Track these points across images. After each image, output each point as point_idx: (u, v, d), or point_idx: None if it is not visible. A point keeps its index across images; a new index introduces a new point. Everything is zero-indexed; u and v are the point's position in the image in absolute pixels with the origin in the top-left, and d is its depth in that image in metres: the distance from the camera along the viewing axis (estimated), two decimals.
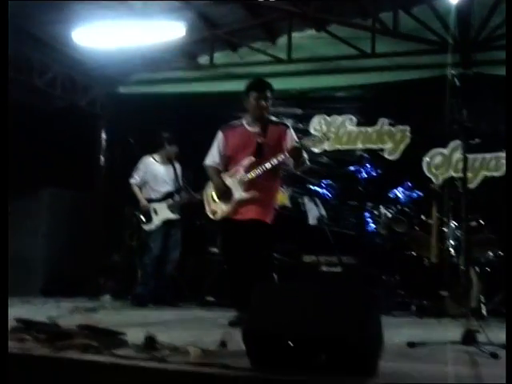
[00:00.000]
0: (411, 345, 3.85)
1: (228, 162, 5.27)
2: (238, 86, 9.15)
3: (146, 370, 2.89)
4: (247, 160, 5.10)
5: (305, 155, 5.09)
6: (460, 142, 7.91)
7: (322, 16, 8.29)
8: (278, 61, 8.90)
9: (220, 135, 5.31)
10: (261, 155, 5.09)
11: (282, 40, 8.98)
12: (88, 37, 7.81)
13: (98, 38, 7.83)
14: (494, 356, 3.44)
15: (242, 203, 5.08)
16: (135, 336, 3.56)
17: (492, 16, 7.61)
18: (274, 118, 5.47)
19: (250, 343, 2.84)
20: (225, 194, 5.12)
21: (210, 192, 5.30)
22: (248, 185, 5.08)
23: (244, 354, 2.91)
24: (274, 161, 5.02)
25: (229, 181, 5.18)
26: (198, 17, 8.54)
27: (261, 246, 4.99)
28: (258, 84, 5.28)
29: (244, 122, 5.27)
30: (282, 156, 5.01)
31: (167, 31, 7.84)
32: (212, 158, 5.31)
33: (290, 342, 2.75)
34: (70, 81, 9.10)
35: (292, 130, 5.31)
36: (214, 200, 5.25)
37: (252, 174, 5.06)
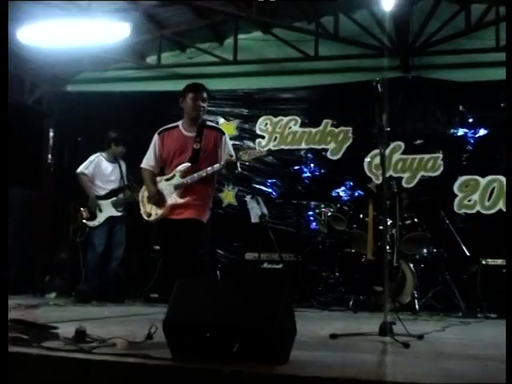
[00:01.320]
0: (333, 336, 4.07)
1: (164, 165, 5.34)
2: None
3: (71, 361, 3.01)
4: (183, 166, 5.18)
5: (238, 164, 5.32)
6: (401, 143, 8.37)
7: (267, 19, 8.47)
8: (225, 62, 9.07)
9: (156, 138, 5.34)
10: (196, 161, 5.20)
11: (229, 41, 9.16)
12: (35, 35, 7.84)
13: (44, 36, 7.87)
14: (406, 346, 3.67)
15: (176, 206, 5.19)
16: (68, 330, 3.67)
17: (429, 21, 7.90)
18: (209, 122, 5.58)
19: (170, 334, 3.00)
20: (157, 200, 5.21)
21: (146, 194, 5.35)
22: (183, 190, 5.18)
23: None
24: (209, 170, 5.15)
25: (164, 184, 5.24)
26: (145, 17, 8.66)
27: (196, 243, 5.12)
28: (195, 85, 5.41)
29: (180, 126, 5.32)
30: (218, 166, 5.15)
31: (114, 31, 7.93)
32: (147, 161, 5.36)
33: (207, 334, 2.91)
34: (17, 79, 9.09)
35: (227, 137, 5.43)
36: (148, 201, 5.31)
37: (188, 180, 5.15)
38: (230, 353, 2.86)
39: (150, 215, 5.30)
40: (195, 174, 5.16)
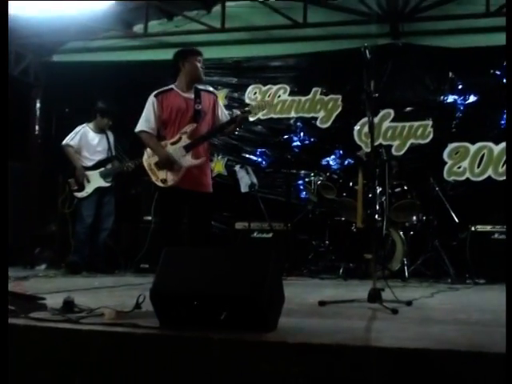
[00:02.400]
0: (322, 303, 4.08)
1: (164, 127, 5.20)
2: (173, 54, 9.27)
3: (57, 331, 3.01)
4: (189, 127, 5.11)
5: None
6: (391, 110, 8.33)
7: None
8: (213, 30, 8.96)
9: (154, 100, 5.20)
10: (198, 121, 5.15)
11: (217, 9, 9.02)
12: (20, 5, 7.69)
13: (30, 6, 7.73)
14: (395, 312, 3.68)
15: (189, 173, 5.10)
16: (56, 301, 3.66)
17: None
18: (200, 86, 5.53)
19: (157, 303, 2.99)
20: (171, 163, 5.05)
21: (153, 160, 5.17)
22: (193, 152, 5.11)
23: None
24: (223, 124, 5.22)
25: (171, 148, 5.11)
26: None
27: (208, 216, 5.18)
28: (198, 49, 5.41)
29: (176, 88, 5.25)
30: (227, 121, 5.23)
31: None
32: (147, 124, 5.16)
33: (194, 302, 2.91)
34: None
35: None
36: (157, 168, 5.14)
37: (190, 140, 5.10)
38: (218, 321, 2.86)
39: (165, 181, 5.09)
40: (203, 135, 5.13)
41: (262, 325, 2.84)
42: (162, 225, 5.67)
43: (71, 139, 7.57)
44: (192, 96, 5.21)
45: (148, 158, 5.24)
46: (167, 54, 9.13)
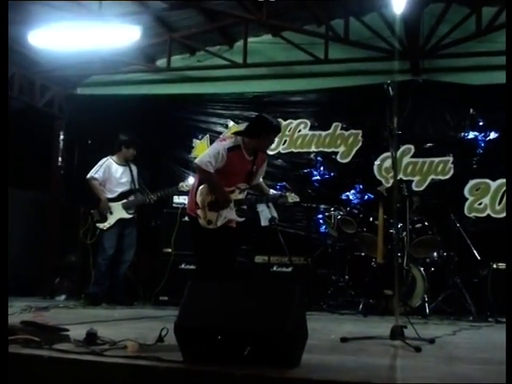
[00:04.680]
0: (344, 340, 4.05)
1: (220, 175, 5.28)
2: (195, 88, 9.44)
3: (82, 363, 3.02)
4: (243, 185, 5.46)
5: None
6: (411, 146, 8.35)
7: (277, 22, 8.47)
8: (235, 65, 9.08)
9: (224, 152, 5.24)
10: (251, 182, 5.52)
11: (239, 44, 9.18)
12: (45, 38, 7.85)
13: (55, 39, 7.88)
14: (418, 350, 3.65)
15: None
16: (79, 333, 3.67)
17: (439, 24, 7.88)
18: None
19: (181, 337, 3.00)
20: (228, 204, 5.31)
21: (208, 199, 5.30)
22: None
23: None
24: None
25: None
26: (155, 20, 8.68)
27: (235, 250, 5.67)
28: (279, 128, 5.64)
29: (243, 149, 5.34)
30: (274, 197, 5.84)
31: (124, 34, 7.94)
32: (211, 165, 5.19)
33: (218, 337, 2.91)
34: (28, 82, 9.15)
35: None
36: (209, 208, 5.27)
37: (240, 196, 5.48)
38: (242, 356, 2.86)
39: (210, 222, 5.26)
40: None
41: (285, 361, 2.83)
42: (204, 263, 5.52)
43: (96, 172, 7.65)
44: (252, 158, 5.38)
45: (203, 196, 5.31)
46: (189, 88, 9.49)
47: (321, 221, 8.36)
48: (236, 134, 5.53)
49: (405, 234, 6.88)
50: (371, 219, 7.33)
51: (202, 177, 5.32)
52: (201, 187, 5.32)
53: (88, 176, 7.66)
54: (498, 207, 7.97)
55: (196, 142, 9.26)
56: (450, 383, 2.58)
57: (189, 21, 8.87)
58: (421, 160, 8.34)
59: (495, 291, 6.77)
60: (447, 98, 8.41)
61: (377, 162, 8.40)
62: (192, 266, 7.33)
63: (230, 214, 5.36)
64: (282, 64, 9.09)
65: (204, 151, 5.71)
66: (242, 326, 2.91)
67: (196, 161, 5.35)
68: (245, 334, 2.89)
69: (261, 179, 5.71)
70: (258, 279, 7.61)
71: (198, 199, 5.30)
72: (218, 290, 3.22)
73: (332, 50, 8.66)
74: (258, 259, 7.79)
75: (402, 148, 8.32)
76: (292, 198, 5.69)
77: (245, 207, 5.81)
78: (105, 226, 7.52)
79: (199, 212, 5.27)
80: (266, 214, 7.76)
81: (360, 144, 8.65)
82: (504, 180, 7.95)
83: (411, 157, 8.36)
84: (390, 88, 4.37)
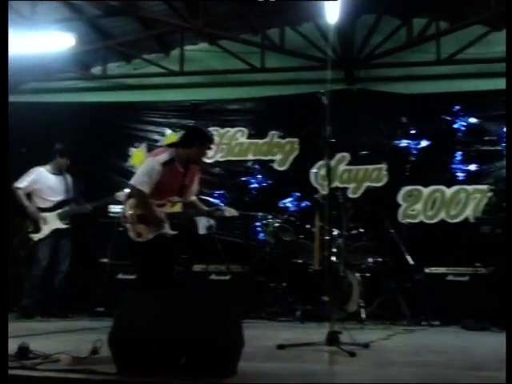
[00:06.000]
0: (281, 347, 4.09)
1: (154, 192, 5.20)
2: (132, 96, 9.35)
3: (13, 378, 2.94)
4: (175, 199, 5.32)
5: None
6: (347, 154, 8.49)
7: (213, 31, 8.49)
8: (172, 73, 9.06)
9: (159, 168, 5.16)
10: (182, 195, 5.36)
11: (176, 52, 9.17)
12: None
13: None
14: (352, 355, 3.72)
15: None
16: (11, 347, 3.57)
17: (372, 35, 8.07)
18: None
19: (115, 349, 2.97)
20: (159, 222, 5.18)
21: (137, 212, 5.22)
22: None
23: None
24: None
25: (157, 209, 5.24)
26: (90, 27, 8.57)
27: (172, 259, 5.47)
28: (212, 137, 5.52)
29: (176, 161, 5.25)
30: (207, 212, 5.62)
31: (59, 41, 7.81)
32: (147, 185, 5.11)
33: (153, 347, 2.89)
34: None
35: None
36: (138, 221, 5.19)
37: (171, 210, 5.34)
38: (178, 366, 2.85)
39: (140, 235, 5.19)
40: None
41: (221, 370, 2.84)
42: (141, 273, 5.46)
43: (21, 182, 7.45)
44: (183, 170, 5.29)
45: (131, 209, 5.24)
46: (125, 96, 9.39)
47: (258, 228, 8.39)
48: (169, 145, 5.49)
49: (341, 240, 6.99)
50: (308, 226, 7.40)
51: (137, 198, 5.22)
52: (130, 200, 5.28)
53: (13, 186, 7.44)
54: (430, 213, 8.20)
55: (133, 150, 9.17)
56: None
57: (125, 28, 8.79)
58: (356, 167, 8.49)
59: (428, 295, 6.96)
60: (381, 107, 8.59)
61: (313, 170, 8.50)
62: (129, 276, 7.25)
63: (166, 228, 5.27)
64: (219, 72, 9.13)
65: (139, 167, 5.62)
66: (177, 336, 2.90)
67: (131, 181, 5.26)
68: (180, 344, 2.88)
69: (194, 197, 5.59)
70: (195, 288, 7.58)
71: (127, 212, 5.26)
72: (154, 299, 3.20)
73: (269, 59, 8.77)
74: (196, 268, 7.76)
75: (338, 156, 8.45)
76: (230, 212, 5.63)
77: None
78: (39, 236, 7.35)
79: (128, 226, 5.23)
80: (203, 222, 7.79)
81: (297, 152, 8.75)
82: (436, 187, 8.21)
83: (347, 164, 8.51)
84: (323, 97, 4.44)
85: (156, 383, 2.76)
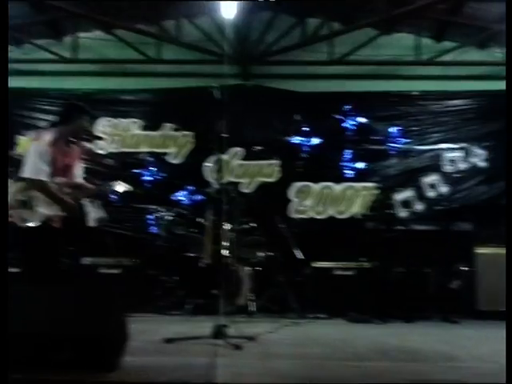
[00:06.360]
0: (168, 341, 4.08)
1: None
2: (21, 82, 8.97)
3: None
4: (60, 180, 4.96)
5: None
6: (241, 149, 8.56)
7: (108, 19, 8.31)
8: (64, 60, 8.79)
9: (45, 148, 4.87)
10: (66, 175, 5.03)
11: (69, 39, 8.90)
12: None
13: None
14: (238, 347, 3.77)
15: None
16: None
17: (268, 31, 8.19)
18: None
19: None
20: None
21: (21, 196, 4.91)
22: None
23: None
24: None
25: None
26: None
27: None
28: (88, 110, 5.24)
29: (61, 140, 4.94)
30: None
31: None
32: (45, 172, 4.82)
33: (36, 343, 2.81)
34: None
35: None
36: (23, 206, 4.90)
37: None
38: (60, 362, 2.79)
39: (24, 221, 4.86)
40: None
41: (104, 365, 2.80)
42: (25, 266, 5.12)
43: None
44: (66, 148, 5.07)
45: (16, 192, 4.91)
46: (15, 82, 8.96)
47: (151, 221, 8.31)
48: (51, 126, 5.29)
49: (233, 234, 7.04)
50: (201, 220, 7.41)
51: (38, 189, 4.91)
52: (14, 183, 5.05)
53: None
54: (319, 209, 8.42)
55: (20, 138, 8.82)
56: (264, 379, 2.69)
57: (14, 11, 8.38)
58: (249, 163, 8.58)
59: (315, 289, 7.16)
60: (275, 104, 8.71)
61: (207, 164, 8.51)
62: (15, 269, 6.98)
63: (50, 210, 4.92)
64: (113, 62, 8.93)
65: (26, 155, 5.36)
66: (60, 331, 2.84)
67: (26, 174, 4.96)
68: (63, 339, 2.82)
69: (81, 179, 5.39)
70: (82, 282, 7.39)
71: (10, 196, 5.02)
72: (37, 294, 3.10)
73: (166, 51, 8.69)
74: (85, 261, 7.58)
75: (232, 151, 8.51)
76: (121, 186, 5.46)
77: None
78: None
79: (11, 212, 5.00)
80: (93, 213, 7.60)
81: (191, 146, 8.72)
82: (325, 183, 8.45)
83: (240, 159, 8.58)
84: (216, 91, 4.46)
85: (36, 380, 2.68)
